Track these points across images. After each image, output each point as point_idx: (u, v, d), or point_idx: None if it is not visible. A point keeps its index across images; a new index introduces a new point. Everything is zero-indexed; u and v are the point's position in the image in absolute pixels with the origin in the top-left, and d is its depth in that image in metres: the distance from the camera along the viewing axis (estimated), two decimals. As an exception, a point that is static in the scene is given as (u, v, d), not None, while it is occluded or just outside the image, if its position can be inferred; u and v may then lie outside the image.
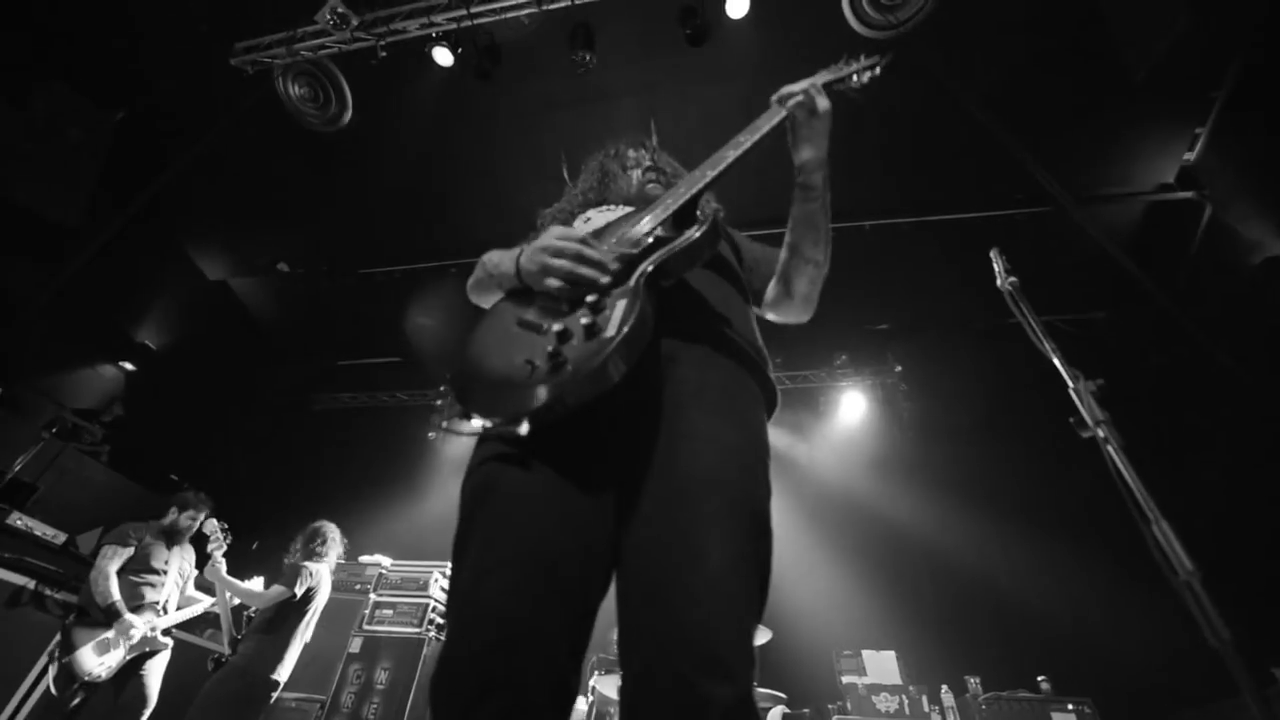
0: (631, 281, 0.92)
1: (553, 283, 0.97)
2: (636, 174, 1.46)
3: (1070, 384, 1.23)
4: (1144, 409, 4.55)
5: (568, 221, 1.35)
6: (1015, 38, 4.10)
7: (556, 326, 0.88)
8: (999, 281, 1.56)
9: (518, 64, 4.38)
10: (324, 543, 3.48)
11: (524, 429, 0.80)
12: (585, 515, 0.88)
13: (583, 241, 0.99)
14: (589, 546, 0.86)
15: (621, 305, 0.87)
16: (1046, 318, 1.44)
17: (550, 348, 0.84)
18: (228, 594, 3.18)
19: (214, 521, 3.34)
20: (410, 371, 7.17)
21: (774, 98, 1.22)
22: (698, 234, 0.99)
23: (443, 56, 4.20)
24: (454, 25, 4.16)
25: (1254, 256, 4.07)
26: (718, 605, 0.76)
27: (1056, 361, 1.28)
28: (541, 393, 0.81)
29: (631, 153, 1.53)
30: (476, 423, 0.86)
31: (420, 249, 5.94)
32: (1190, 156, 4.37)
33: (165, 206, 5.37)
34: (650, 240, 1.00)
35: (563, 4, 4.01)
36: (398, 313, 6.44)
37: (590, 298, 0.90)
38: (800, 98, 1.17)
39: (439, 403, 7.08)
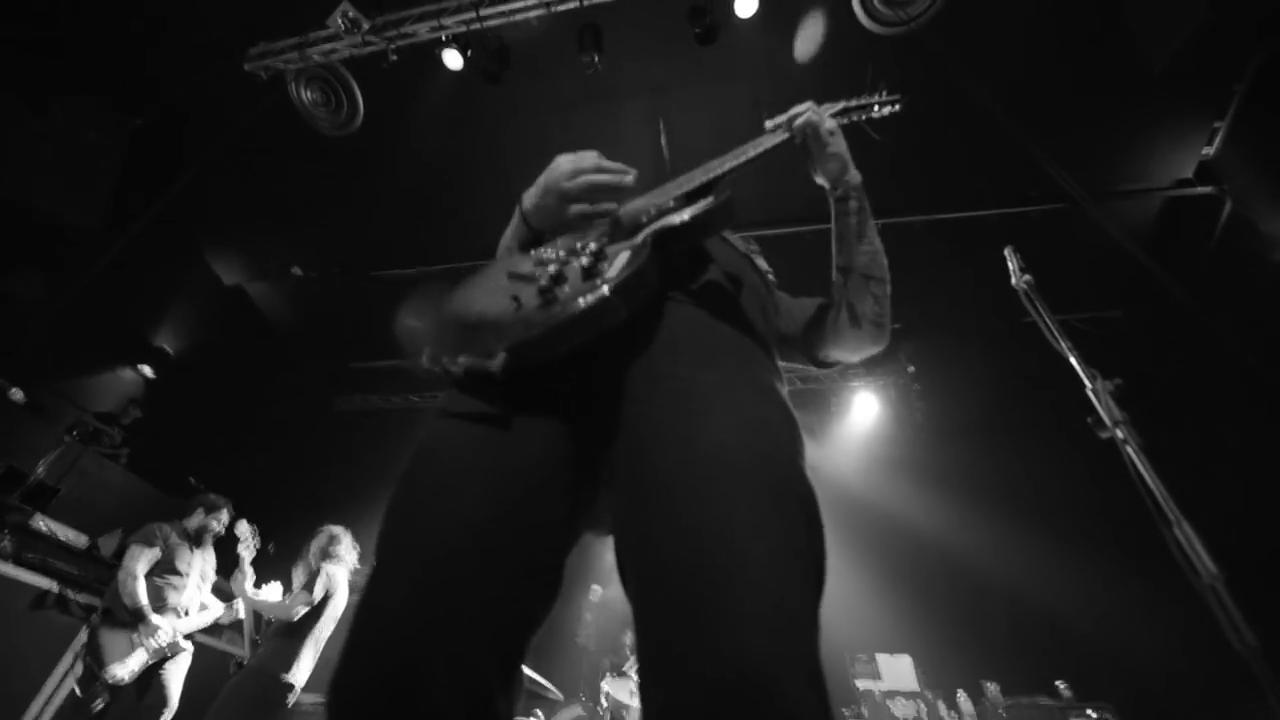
0: (639, 238, 0.88)
1: (577, 207, 0.95)
2: None
3: (1088, 384, 1.20)
4: (1163, 408, 4.47)
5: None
6: (1028, 31, 4.05)
7: (552, 269, 0.81)
8: (1014, 280, 1.54)
9: (527, 66, 4.40)
10: (338, 545, 3.51)
11: (498, 363, 0.69)
12: (550, 497, 0.74)
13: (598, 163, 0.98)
14: (544, 535, 0.72)
15: (624, 255, 0.82)
16: (1062, 316, 1.41)
17: (543, 282, 0.77)
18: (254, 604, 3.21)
19: (245, 524, 3.37)
20: (423, 373, 7.21)
21: (768, 124, 1.16)
22: (713, 202, 0.94)
23: (453, 59, 4.23)
24: (464, 28, 4.18)
25: (1276, 253, 3.99)
26: (772, 615, 0.58)
27: (1073, 361, 1.26)
28: (523, 327, 0.73)
29: None
30: (449, 362, 0.75)
31: (432, 251, 5.98)
32: (1209, 151, 4.29)
33: (182, 211, 5.46)
34: (665, 207, 0.98)
35: (571, 5, 4.02)
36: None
37: (592, 245, 0.84)
38: (809, 116, 1.10)
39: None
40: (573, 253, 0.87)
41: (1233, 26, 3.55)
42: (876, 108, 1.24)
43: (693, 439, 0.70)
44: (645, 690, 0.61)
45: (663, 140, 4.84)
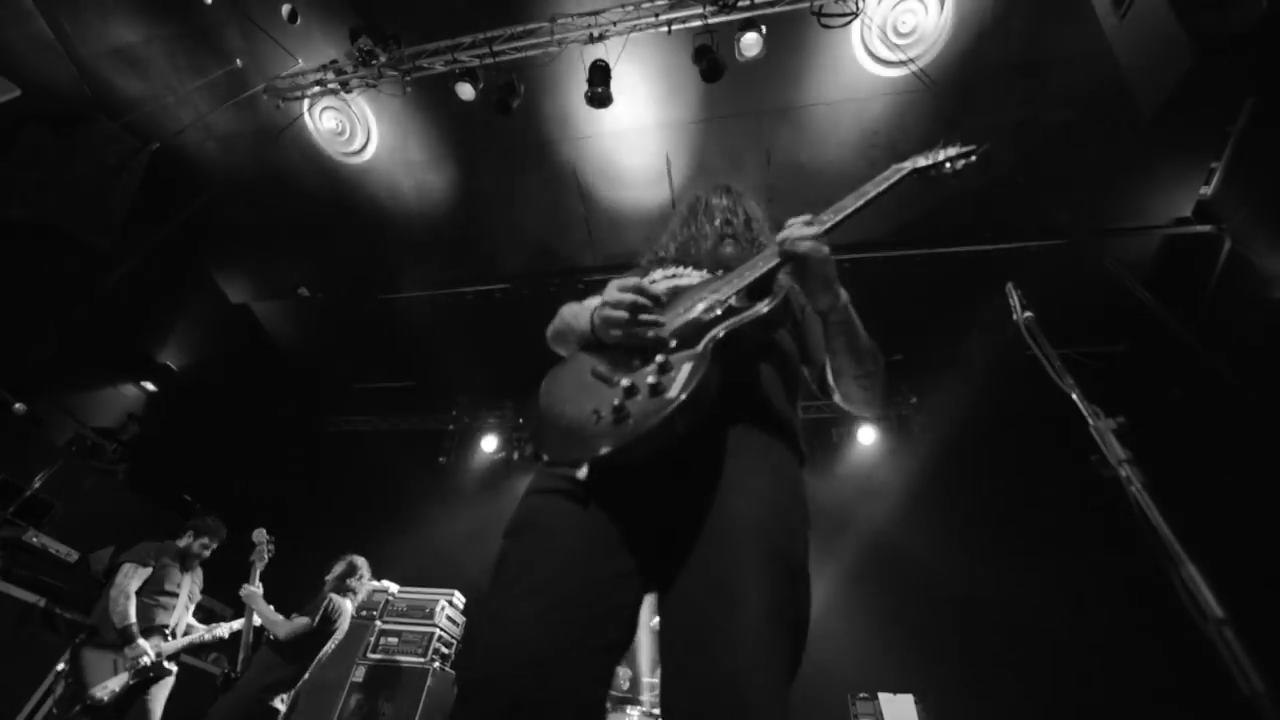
0: (700, 346, 0.96)
1: (615, 333, 1.04)
2: (710, 229, 1.48)
3: (1090, 422, 1.20)
4: (1166, 444, 4.44)
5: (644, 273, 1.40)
6: (1025, 73, 4.15)
7: (625, 381, 0.93)
8: (1015, 316, 1.55)
9: (536, 98, 4.52)
10: (357, 580, 3.46)
11: (583, 473, 0.90)
12: (621, 556, 0.92)
13: (638, 290, 1.04)
14: (620, 585, 0.91)
15: (687, 368, 0.92)
16: (1064, 350, 1.42)
17: (616, 401, 0.90)
18: (254, 618, 3.16)
19: (263, 531, 3.33)
20: (423, 396, 7.23)
21: (780, 236, 1.12)
22: (767, 308, 1.02)
23: (465, 91, 4.35)
24: (477, 62, 4.31)
25: (1275, 290, 4.01)
26: (753, 654, 0.79)
27: (1076, 398, 1.26)
28: (602, 442, 0.88)
29: (715, 200, 1.54)
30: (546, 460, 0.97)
31: (437, 276, 6.05)
32: (1207, 190, 4.35)
33: (193, 232, 5.55)
34: (723, 309, 1.04)
35: (581, 42, 4.15)
36: (413, 337, 6.53)
37: (659, 358, 0.95)
38: (806, 247, 1.08)
39: (451, 428, 7.12)
40: (644, 360, 0.99)
41: (1222, 72, 3.64)
42: (949, 164, 1.28)
43: (717, 514, 0.92)
44: (665, 699, 0.82)
45: (669, 174, 4.93)
